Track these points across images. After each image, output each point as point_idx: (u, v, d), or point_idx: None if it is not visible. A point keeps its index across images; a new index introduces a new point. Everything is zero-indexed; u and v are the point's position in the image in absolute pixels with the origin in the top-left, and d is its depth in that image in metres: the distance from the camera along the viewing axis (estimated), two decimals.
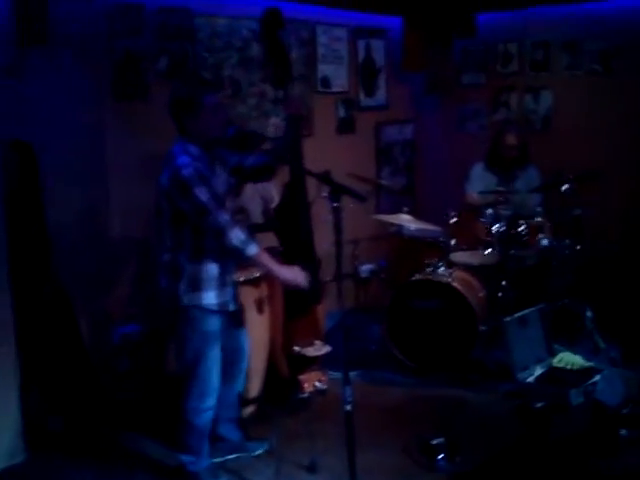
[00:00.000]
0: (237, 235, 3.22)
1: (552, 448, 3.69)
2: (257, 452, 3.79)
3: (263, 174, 3.74)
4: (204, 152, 3.35)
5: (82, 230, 4.34)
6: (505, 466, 3.66)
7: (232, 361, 3.61)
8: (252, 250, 3.26)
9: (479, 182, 5.47)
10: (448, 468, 3.63)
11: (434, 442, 3.74)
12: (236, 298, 3.54)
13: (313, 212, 4.09)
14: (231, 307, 3.47)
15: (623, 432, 3.74)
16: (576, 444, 3.69)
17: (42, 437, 3.87)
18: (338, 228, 3.04)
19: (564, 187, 4.87)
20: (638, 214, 5.58)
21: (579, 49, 5.80)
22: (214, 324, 3.41)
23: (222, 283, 3.39)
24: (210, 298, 3.35)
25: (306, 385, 3.73)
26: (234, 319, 3.57)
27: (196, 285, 3.33)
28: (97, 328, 4.40)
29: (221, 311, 3.41)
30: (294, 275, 3.38)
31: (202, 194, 3.19)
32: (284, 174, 3.95)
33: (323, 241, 3.93)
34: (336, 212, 3.04)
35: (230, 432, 3.81)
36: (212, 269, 3.35)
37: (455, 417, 4.17)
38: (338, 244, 3.02)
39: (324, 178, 3.21)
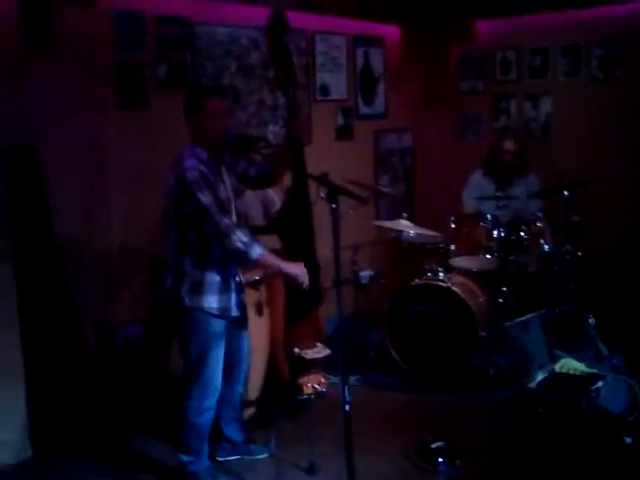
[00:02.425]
0: (240, 238, 3.23)
1: (555, 453, 3.68)
2: (260, 456, 3.79)
3: (265, 182, 3.76)
4: (212, 156, 3.37)
5: (86, 236, 4.38)
6: (506, 471, 3.64)
7: (233, 362, 3.61)
8: (256, 252, 3.27)
9: (477, 189, 5.47)
10: (448, 472, 3.61)
11: (434, 446, 3.73)
12: (242, 305, 3.54)
13: (314, 219, 4.11)
14: (234, 313, 3.47)
15: (628, 440, 3.72)
16: (580, 450, 3.68)
17: (47, 435, 3.93)
18: (336, 228, 3.05)
19: (565, 193, 4.86)
20: (636, 220, 5.57)
21: (579, 55, 5.81)
22: (217, 326, 3.41)
23: (224, 288, 3.40)
24: (211, 302, 3.36)
25: (305, 388, 3.73)
26: (237, 322, 3.56)
27: (198, 288, 3.35)
28: (101, 331, 4.43)
29: (223, 315, 3.42)
30: (301, 271, 3.38)
31: (205, 198, 3.21)
32: (286, 179, 3.97)
33: (324, 247, 3.94)
34: (334, 213, 3.05)
35: (234, 433, 3.82)
36: (214, 274, 3.36)
37: (455, 422, 4.15)
38: (336, 243, 3.02)
39: (321, 179, 3.22)
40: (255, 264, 3.43)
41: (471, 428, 4.07)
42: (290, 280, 3.43)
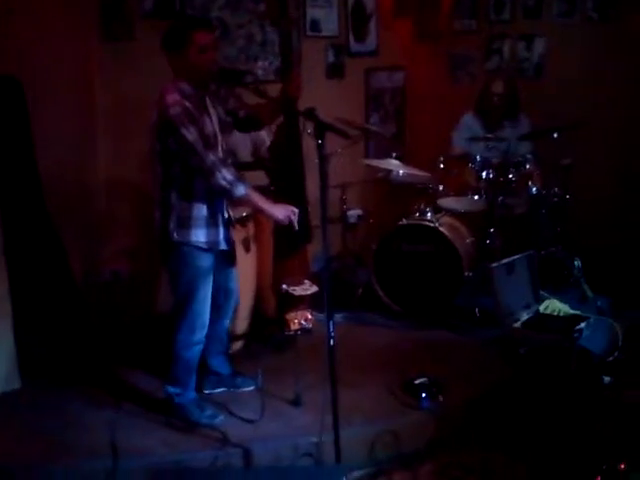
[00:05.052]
0: (224, 176, 3.21)
1: (535, 392, 3.74)
2: (246, 388, 3.83)
3: (252, 126, 3.73)
4: (197, 90, 3.31)
5: (72, 169, 4.35)
6: (488, 407, 3.70)
7: (221, 298, 3.63)
8: (240, 191, 3.25)
9: (467, 130, 5.43)
10: (431, 407, 3.66)
11: (418, 381, 3.77)
12: (229, 238, 3.53)
13: (305, 158, 4.08)
14: (222, 246, 3.46)
15: (606, 379, 3.80)
16: (559, 388, 3.74)
17: (35, 367, 3.97)
18: (322, 164, 3.02)
19: (555, 135, 4.84)
20: (628, 164, 5.56)
21: None
22: (206, 260, 3.42)
23: (212, 223, 3.39)
24: (199, 236, 3.36)
25: (292, 323, 3.76)
26: (225, 257, 3.57)
27: (185, 222, 3.33)
28: (89, 265, 4.45)
29: (211, 249, 3.42)
30: (285, 213, 3.36)
31: (189, 134, 3.17)
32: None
33: (313, 185, 3.93)
34: (320, 149, 3.02)
35: (220, 366, 3.85)
36: (201, 208, 3.35)
37: (440, 359, 4.20)
38: (322, 179, 2.99)
39: (308, 114, 3.18)
40: (240, 202, 3.42)
41: (455, 365, 4.12)
42: (275, 221, 3.42)
